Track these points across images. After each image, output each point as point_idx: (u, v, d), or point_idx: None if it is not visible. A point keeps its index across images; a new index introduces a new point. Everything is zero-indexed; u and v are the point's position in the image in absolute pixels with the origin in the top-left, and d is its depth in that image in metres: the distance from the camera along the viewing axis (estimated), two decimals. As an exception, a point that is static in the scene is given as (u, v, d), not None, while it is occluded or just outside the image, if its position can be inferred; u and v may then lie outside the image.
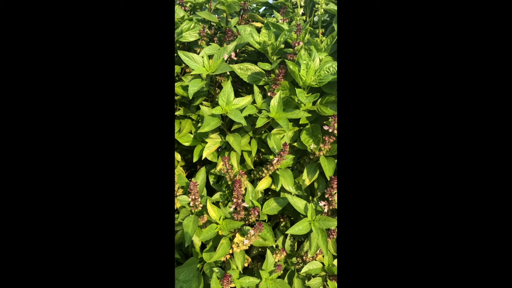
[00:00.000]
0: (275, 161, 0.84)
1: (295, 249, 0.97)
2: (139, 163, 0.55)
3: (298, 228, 0.81)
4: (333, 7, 0.82)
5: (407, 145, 0.54)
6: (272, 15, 1.21)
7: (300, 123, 0.92)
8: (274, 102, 0.82)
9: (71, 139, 0.53)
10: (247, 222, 0.89)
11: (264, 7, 1.31)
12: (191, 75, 0.98)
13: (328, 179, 0.84)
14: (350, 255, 0.54)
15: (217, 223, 0.84)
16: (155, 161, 0.55)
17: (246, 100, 0.89)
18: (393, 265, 0.53)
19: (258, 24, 1.20)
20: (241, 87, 1.14)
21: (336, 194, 0.82)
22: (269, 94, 0.88)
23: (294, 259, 0.94)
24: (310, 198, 0.97)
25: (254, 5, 1.24)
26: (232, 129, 0.96)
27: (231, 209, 0.86)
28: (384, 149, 0.55)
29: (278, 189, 0.92)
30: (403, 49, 0.54)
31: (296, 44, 0.85)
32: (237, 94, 1.13)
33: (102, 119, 0.54)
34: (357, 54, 0.56)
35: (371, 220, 0.54)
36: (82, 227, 0.53)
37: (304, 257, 0.90)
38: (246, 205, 0.87)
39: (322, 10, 0.87)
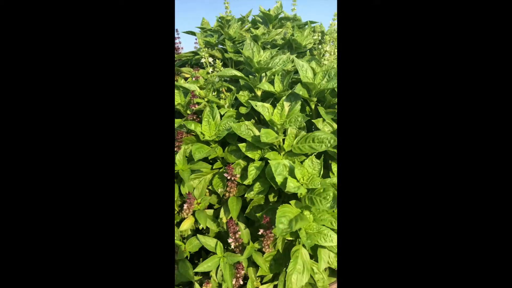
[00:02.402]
0: (185, 207, 0.97)
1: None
2: (145, 177, 0.56)
3: (208, 265, 0.92)
4: (228, 72, 0.95)
5: (402, 156, 0.55)
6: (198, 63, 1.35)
7: (214, 167, 1.04)
8: (179, 157, 0.95)
9: (77, 143, 0.54)
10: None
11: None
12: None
13: (235, 218, 0.96)
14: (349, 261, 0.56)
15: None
16: (157, 174, 0.57)
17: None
18: (391, 270, 0.54)
19: (187, 75, 1.34)
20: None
21: (239, 233, 0.94)
22: (176, 149, 1.00)
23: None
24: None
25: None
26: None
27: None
28: (376, 163, 0.55)
29: (200, 227, 1.04)
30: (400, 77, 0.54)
31: (193, 107, 0.98)
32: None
33: (112, 131, 0.55)
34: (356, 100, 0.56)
35: (370, 230, 0.55)
36: (88, 229, 0.54)
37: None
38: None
39: (218, 73, 1.01)
